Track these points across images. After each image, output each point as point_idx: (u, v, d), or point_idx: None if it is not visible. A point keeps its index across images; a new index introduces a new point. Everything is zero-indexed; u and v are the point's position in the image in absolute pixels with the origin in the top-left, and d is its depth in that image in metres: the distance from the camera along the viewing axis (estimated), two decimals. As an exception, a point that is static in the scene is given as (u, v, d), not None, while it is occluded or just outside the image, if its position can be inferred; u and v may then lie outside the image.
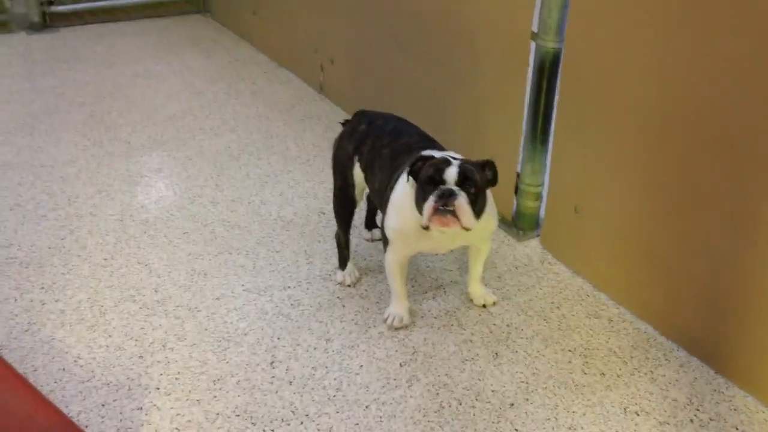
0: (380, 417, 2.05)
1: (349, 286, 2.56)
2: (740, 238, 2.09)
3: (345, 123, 2.51)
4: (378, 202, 2.37)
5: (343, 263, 2.58)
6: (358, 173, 2.42)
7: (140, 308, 2.43)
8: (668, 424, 2.05)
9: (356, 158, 2.40)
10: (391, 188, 2.24)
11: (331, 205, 2.56)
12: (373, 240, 2.81)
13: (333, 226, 2.74)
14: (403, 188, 2.19)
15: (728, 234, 2.12)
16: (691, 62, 2.10)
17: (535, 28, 2.65)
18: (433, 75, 3.19)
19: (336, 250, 2.60)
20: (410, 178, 2.14)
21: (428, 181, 2.07)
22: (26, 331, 2.31)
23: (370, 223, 2.82)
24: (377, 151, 2.35)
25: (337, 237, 2.56)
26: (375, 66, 3.59)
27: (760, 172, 1.99)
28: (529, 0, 2.63)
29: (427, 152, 2.19)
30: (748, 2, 1.93)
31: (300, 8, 4.16)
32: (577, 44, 2.49)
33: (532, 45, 2.68)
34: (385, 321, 2.38)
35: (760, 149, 1.97)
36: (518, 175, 2.88)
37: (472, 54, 2.93)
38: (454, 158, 2.14)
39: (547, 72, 2.67)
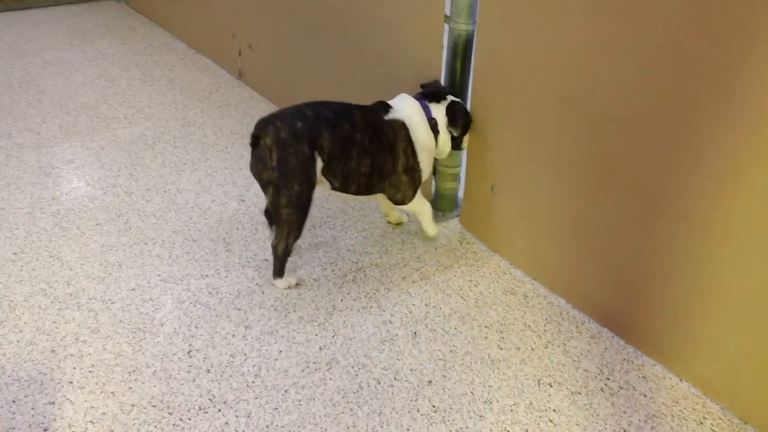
0: (299, 401, 2.05)
1: (297, 284, 2.51)
2: (648, 214, 2.15)
3: (256, 139, 2.32)
4: (362, 182, 2.48)
5: (283, 272, 2.50)
6: (318, 168, 2.35)
7: (51, 302, 2.37)
8: (580, 393, 2.11)
9: (317, 154, 2.32)
10: (405, 150, 2.50)
11: (247, 194, 2.51)
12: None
13: (252, 212, 2.73)
14: (425, 137, 2.54)
15: (637, 211, 2.18)
16: (603, 44, 2.15)
17: (447, 11, 2.67)
18: (349, 59, 3.18)
19: (265, 256, 2.57)
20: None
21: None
22: (-70, 329, 2.23)
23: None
24: (344, 138, 2.37)
25: (286, 248, 2.43)
26: (293, 51, 3.56)
27: (666, 152, 2.05)
28: (441, -18, 2.65)
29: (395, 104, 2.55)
30: (646, -19, 1.98)
31: (215, -7, 4.09)
32: (489, 26, 2.52)
33: (446, 27, 2.70)
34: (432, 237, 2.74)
35: (667, 130, 2.04)
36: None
37: (387, 37, 2.94)
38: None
39: (460, 54, 2.69)
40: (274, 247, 2.44)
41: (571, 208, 2.39)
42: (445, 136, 2.60)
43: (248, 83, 4.01)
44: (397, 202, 2.60)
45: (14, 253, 2.59)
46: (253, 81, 3.99)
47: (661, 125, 2.04)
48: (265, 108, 3.71)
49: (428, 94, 2.60)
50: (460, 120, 2.58)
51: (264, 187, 2.34)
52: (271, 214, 2.55)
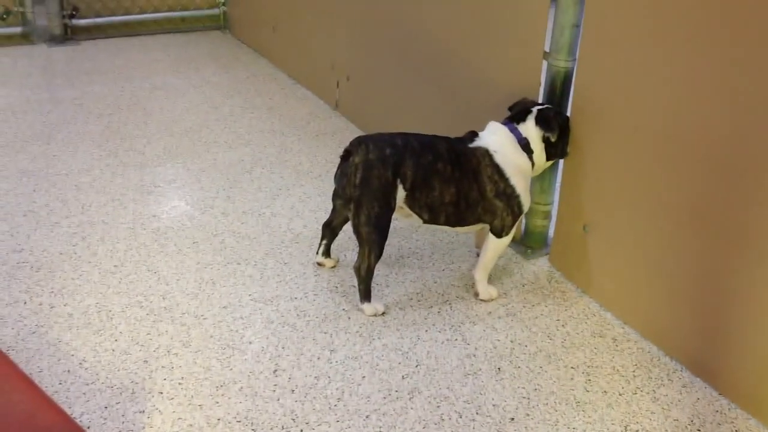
0: (380, 427, 2.05)
1: (384, 313, 2.53)
2: (748, 260, 2.08)
3: (347, 154, 2.46)
4: (449, 212, 2.50)
5: (369, 295, 2.53)
6: (400, 196, 2.44)
7: (147, 314, 2.45)
8: (669, 443, 2.04)
9: (398, 181, 2.42)
10: (501, 182, 2.49)
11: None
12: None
13: (341, 239, 2.76)
14: (517, 160, 2.51)
15: (736, 256, 2.11)
16: (704, 84, 2.11)
17: (547, 48, 2.68)
18: (444, 92, 3.22)
19: (353, 282, 2.58)
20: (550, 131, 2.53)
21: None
22: (34, 333, 2.33)
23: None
24: (427, 168, 2.43)
25: (369, 268, 2.48)
26: (388, 83, 3.63)
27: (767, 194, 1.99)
28: (542, 19, 2.66)
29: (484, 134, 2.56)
30: (761, 27, 1.94)
31: (317, 26, 4.21)
32: (589, 63, 2.51)
33: (544, 64, 2.70)
34: (485, 300, 2.61)
35: None
36: (528, 194, 2.89)
37: (484, 72, 2.96)
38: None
39: (558, 91, 2.69)
40: (357, 269, 2.48)
41: (667, 252, 2.33)
42: (539, 151, 2.55)
43: (344, 114, 4.09)
44: (496, 231, 2.55)
45: (114, 266, 2.70)
46: (348, 111, 4.07)
47: (765, 169, 1.98)
48: (360, 138, 3.77)
49: (515, 115, 2.59)
50: (554, 122, 2.53)
51: (346, 202, 2.46)
52: (330, 226, 2.70)
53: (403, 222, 2.58)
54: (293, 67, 4.63)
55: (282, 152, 3.66)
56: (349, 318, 2.49)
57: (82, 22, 5.11)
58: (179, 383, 2.17)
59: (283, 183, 3.36)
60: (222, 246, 2.85)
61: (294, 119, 4.05)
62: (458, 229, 2.59)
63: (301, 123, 4.00)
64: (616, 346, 2.42)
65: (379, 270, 2.73)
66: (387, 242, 2.49)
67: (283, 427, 2.03)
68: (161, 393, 2.13)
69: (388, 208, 2.44)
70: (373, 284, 2.55)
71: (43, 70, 4.58)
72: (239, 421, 2.05)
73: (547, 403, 2.17)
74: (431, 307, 2.57)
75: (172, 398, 2.12)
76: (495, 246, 2.58)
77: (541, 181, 2.83)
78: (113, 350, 2.29)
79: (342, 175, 2.47)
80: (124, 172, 3.38)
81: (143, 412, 2.07)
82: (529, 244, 2.94)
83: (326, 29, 4.13)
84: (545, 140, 2.55)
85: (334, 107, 4.18)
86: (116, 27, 5.26)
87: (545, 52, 2.68)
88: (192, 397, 2.12)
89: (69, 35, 5.09)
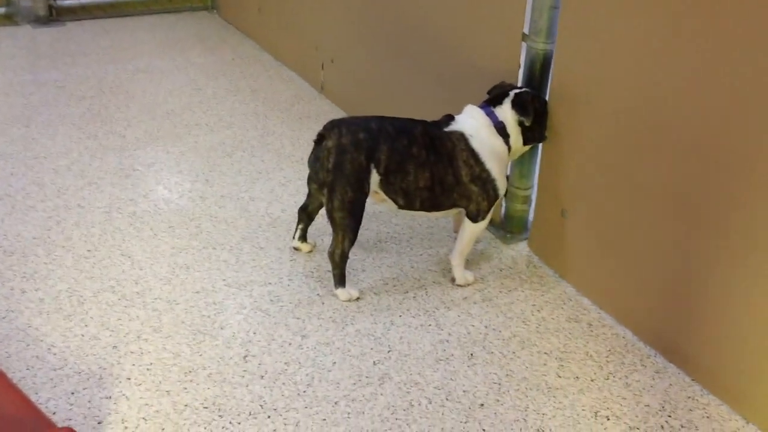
0: (348, 413, 2.04)
1: (358, 298, 2.51)
2: (725, 248, 2.06)
3: (321, 138, 2.41)
4: (424, 197, 2.47)
5: (344, 280, 2.51)
6: (374, 181, 2.41)
7: (119, 299, 2.43)
8: (638, 429, 2.03)
9: (372, 166, 2.39)
10: (472, 164, 2.45)
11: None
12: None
13: (319, 224, 2.74)
14: (493, 143, 2.48)
15: (713, 244, 2.09)
16: (682, 68, 2.08)
17: (526, 30, 2.64)
18: (426, 75, 3.18)
19: (329, 267, 2.53)
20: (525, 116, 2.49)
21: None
22: (3, 318, 2.32)
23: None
24: (401, 152, 2.40)
25: (343, 253, 2.45)
26: (373, 66, 3.59)
27: (743, 181, 1.96)
28: (520, 1, 2.62)
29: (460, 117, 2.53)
30: (740, 11, 1.91)
31: (303, 7, 4.17)
32: (568, 46, 2.48)
33: (523, 46, 2.67)
34: (461, 285, 2.60)
35: (747, 158, 1.95)
36: (507, 178, 2.86)
37: (465, 55, 2.93)
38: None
39: (537, 73, 2.65)
40: (331, 254, 2.46)
41: (644, 238, 2.31)
42: (515, 135, 2.52)
43: (329, 96, 4.06)
44: (471, 216, 2.52)
45: (88, 250, 2.68)
46: (333, 94, 4.03)
47: (743, 155, 1.96)
48: (343, 121, 3.74)
49: (492, 99, 2.56)
50: (530, 106, 2.48)
51: (319, 186, 2.43)
52: (306, 211, 2.67)
53: (380, 207, 2.55)
54: (279, 49, 4.59)
55: (264, 135, 3.63)
56: (323, 303, 2.47)
57: (68, 2, 5.05)
58: (147, 369, 2.16)
59: (263, 167, 3.33)
60: (198, 230, 2.83)
61: (278, 102, 4.01)
62: (434, 213, 2.56)
63: (285, 105, 3.97)
64: (591, 331, 2.40)
65: (356, 254, 2.71)
66: (365, 226, 2.48)
67: (250, 413, 2.02)
68: (129, 379, 2.12)
69: (362, 192, 2.41)
70: (349, 269, 2.53)
71: (27, 52, 4.54)
72: (206, 407, 2.03)
73: (518, 389, 2.15)
74: (407, 292, 2.55)
75: (140, 384, 2.10)
76: (471, 231, 2.55)
77: (521, 166, 2.80)
78: (83, 335, 2.27)
79: (315, 159, 2.44)
80: (103, 155, 3.36)
81: (110, 398, 2.05)
82: (509, 228, 2.92)
83: (310, 10, 4.08)
84: (521, 124, 2.51)
85: (320, 90, 4.14)
86: (102, 8, 5.20)
87: (524, 34, 2.64)
88: (160, 383, 2.11)
89: (54, 16, 5.03)
